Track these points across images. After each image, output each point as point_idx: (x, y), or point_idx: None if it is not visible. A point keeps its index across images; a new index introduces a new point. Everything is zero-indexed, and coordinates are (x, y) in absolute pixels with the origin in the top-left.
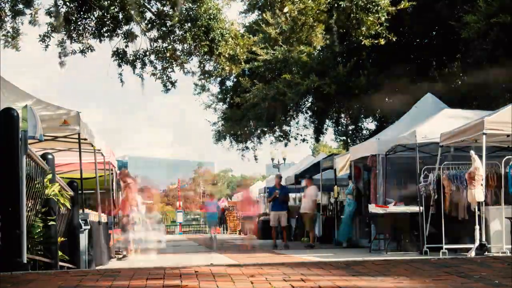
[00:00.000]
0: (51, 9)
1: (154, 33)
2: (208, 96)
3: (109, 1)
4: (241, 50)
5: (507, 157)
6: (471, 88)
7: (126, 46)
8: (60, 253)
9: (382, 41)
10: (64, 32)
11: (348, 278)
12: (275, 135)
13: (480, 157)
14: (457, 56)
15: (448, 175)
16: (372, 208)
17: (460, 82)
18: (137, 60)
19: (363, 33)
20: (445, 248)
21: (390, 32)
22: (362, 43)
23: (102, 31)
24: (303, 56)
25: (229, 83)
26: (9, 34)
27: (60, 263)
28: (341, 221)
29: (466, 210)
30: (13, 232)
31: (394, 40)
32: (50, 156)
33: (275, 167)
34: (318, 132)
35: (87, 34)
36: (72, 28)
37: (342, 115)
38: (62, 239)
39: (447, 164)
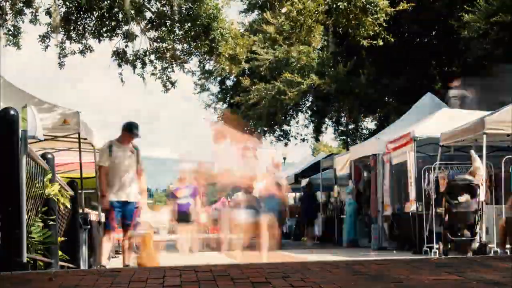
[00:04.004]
0: (50, 9)
1: (154, 33)
2: (208, 96)
3: (109, 1)
4: (241, 50)
5: (506, 157)
6: (471, 87)
7: (126, 46)
8: (60, 253)
9: (380, 42)
10: (63, 33)
11: (348, 278)
12: (275, 135)
13: (481, 157)
14: (457, 56)
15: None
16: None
17: (460, 82)
18: (137, 60)
19: (362, 33)
20: (436, 248)
21: (389, 32)
22: (361, 43)
23: (101, 31)
24: (302, 56)
25: (229, 83)
26: (10, 32)
27: (60, 263)
28: (344, 221)
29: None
30: (13, 232)
31: (392, 41)
32: (50, 156)
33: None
34: (318, 131)
35: (86, 34)
36: (71, 28)
37: (342, 115)
38: (62, 239)
39: (442, 164)
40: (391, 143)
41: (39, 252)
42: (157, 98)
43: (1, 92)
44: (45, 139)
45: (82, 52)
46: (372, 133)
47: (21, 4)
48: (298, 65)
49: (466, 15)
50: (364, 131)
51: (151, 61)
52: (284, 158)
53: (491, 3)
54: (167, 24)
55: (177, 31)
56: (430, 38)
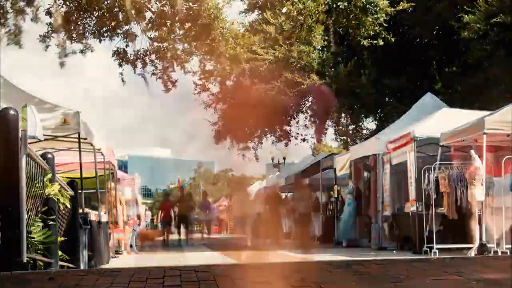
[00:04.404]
0: (50, 8)
1: (154, 33)
2: (209, 96)
3: (109, 1)
4: (242, 49)
5: (506, 156)
6: (471, 88)
7: (127, 45)
8: (60, 253)
9: (381, 42)
10: (64, 32)
11: (348, 278)
12: (275, 135)
13: (481, 157)
14: (457, 56)
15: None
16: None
17: (460, 82)
18: (138, 60)
19: (362, 33)
20: (436, 248)
21: (390, 32)
22: (361, 43)
23: (102, 30)
24: (303, 56)
25: (229, 83)
26: (11, 31)
27: (60, 263)
28: (341, 220)
29: (461, 210)
30: (13, 232)
31: (393, 40)
32: (50, 156)
33: (275, 167)
34: (318, 131)
35: (87, 34)
36: (72, 28)
37: (343, 115)
38: (62, 239)
39: (442, 164)
40: (391, 143)
41: (39, 252)
42: (157, 98)
43: (1, 92)
44: (45, 139)
45: (82, 51)
46: (372, 133)
47: (22, 3)
48: (298, 65)
49: (466, 15)
50: (364, 131)
51: (151, 61)
52: (284, 158)
53: (491, 4)
54: (168, 24)
55: (178, 31)
56: (430, 38)
